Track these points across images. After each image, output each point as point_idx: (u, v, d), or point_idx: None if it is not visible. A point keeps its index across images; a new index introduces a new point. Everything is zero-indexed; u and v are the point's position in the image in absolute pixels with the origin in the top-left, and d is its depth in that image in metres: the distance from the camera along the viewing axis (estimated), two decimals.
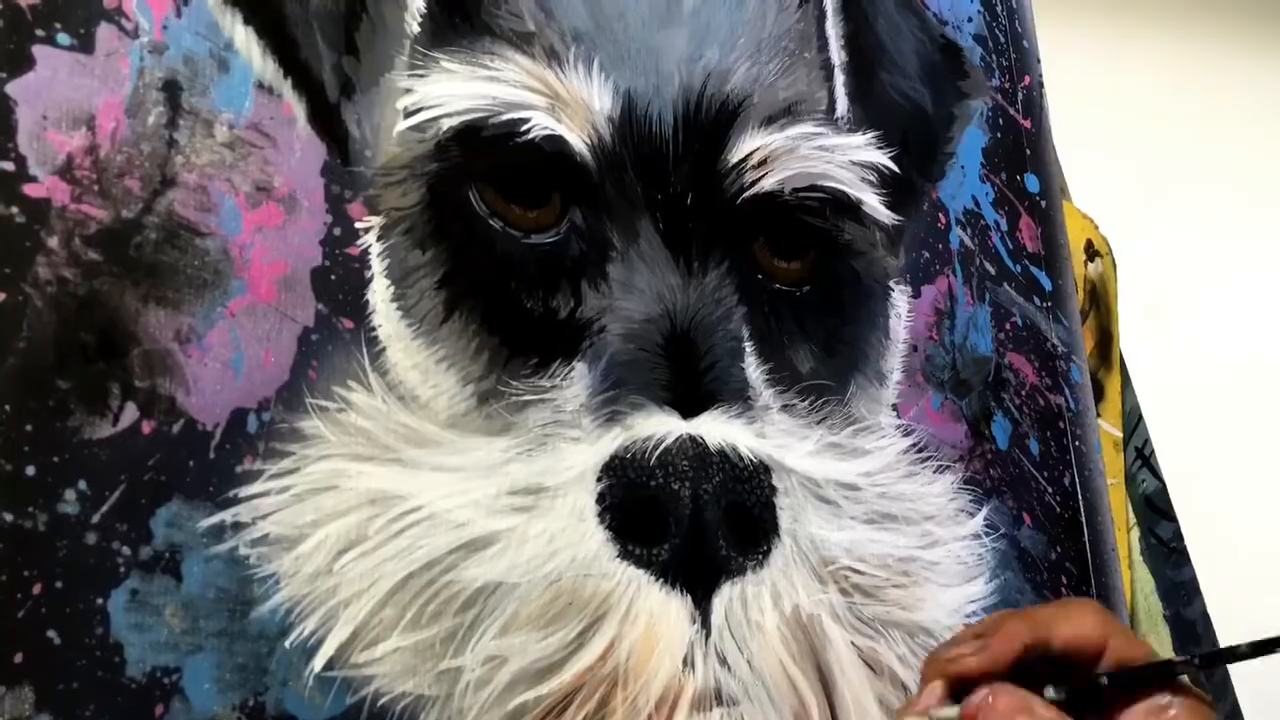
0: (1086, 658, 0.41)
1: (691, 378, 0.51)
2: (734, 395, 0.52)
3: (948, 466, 0.60)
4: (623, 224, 0.53)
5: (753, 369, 0.54)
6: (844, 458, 0.54)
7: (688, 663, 0.47)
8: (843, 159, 0.59)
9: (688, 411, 0.50)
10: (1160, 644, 0.79)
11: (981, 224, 0.68)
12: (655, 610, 0.47)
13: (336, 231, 0.49)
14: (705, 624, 0.48)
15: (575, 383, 0.50)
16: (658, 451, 0.48)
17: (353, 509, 0.45)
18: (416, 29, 0.52)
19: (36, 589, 0.40)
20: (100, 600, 0.41)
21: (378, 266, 0.49)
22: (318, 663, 0.43)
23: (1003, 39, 0.75)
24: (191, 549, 0.43)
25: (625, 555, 0.47)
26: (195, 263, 0.45)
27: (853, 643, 0.51)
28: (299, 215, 0.48)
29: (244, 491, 0.44)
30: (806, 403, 0.55)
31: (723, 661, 0.48)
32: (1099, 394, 0.81)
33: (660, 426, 0.49)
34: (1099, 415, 0.74)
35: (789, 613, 0.50)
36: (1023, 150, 0.73)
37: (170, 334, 0.44)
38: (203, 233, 0.46)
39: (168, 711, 0.41)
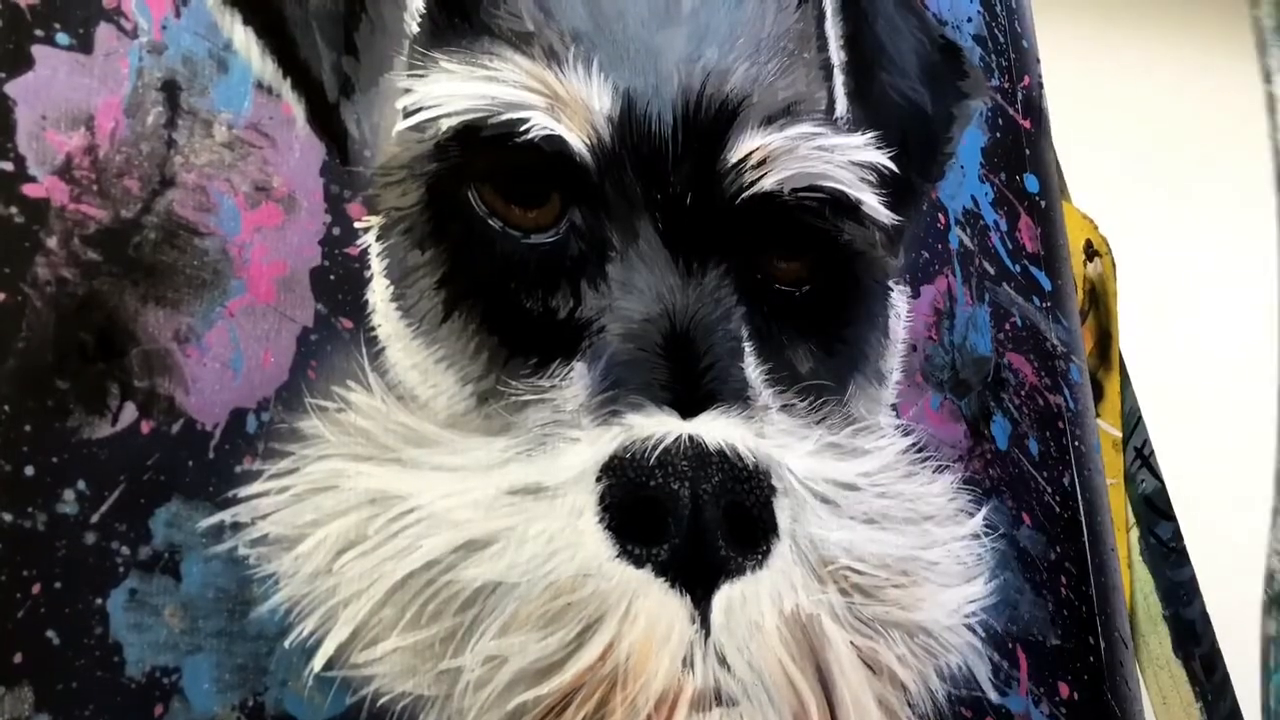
0: None
1: (691, 378, 0.51)
2: (733, 395, 0.52)
3: (947, 466, 0.60)
4: (622, 224, 0.53)
5: (752, 369, 0.54)
6: (843, 457, 0.54)
7: (687, 663, 0.47)
8: (842, 159, 0.59)
9: (687, 411, 0.50)
10: (1160, 643, 0.79)
11: (981, 224, 0.68)
12: (655, 610, 0.47)
13: (336, 231, 0.49)
14: (705, 624, 0.48)
15: (574, 382, 0.50)
16: (657, 451, 0.48)
17: (352, 509, 0.45)
18: (415, 29, 0.52)
19: (35, 589, 0.40)
20: (99, 600, 0.41)
21: (377, 266, 0.49)
22: (317, 663, 0.43)
23: (1002, 39, 0.75)
24: (191, 549, 0.43)
25: (625, 555, 0.47)
26: (194, 263, 0.45)
27: (852, 642, 0.51)
28: (298, 215, 0.48)
29: (243, 491, 0.44)
30: (806, 403, 0.55)
31: (722, 661, 0.48)
32: (1098, 394, 0.81)
33: (660, 426, 0.49)
34: (1098, 415, 0.74)
35: (788, 612, 0.50)
36: (1022, 150, 0.73)
37: (169, 334, 0.44)
38: (202, 233, 0.46)
39: (167, 711, 0.41)
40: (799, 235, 0.58)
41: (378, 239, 0.49)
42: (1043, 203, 0.73)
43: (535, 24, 0.53)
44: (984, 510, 0.60)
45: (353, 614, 0.44)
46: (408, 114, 0.51)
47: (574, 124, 0.52)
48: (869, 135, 0.61)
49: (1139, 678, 0.71)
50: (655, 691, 0.46)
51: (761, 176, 0.55)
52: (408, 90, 0.51)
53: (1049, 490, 0.65)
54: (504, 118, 0.51)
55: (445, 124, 0.51)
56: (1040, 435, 0.66)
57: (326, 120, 0.50)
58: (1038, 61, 0.77)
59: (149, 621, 0.41)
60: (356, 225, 0.49)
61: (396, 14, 0.52)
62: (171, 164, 0.46)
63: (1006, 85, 0.74)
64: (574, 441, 0.49)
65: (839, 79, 0.62)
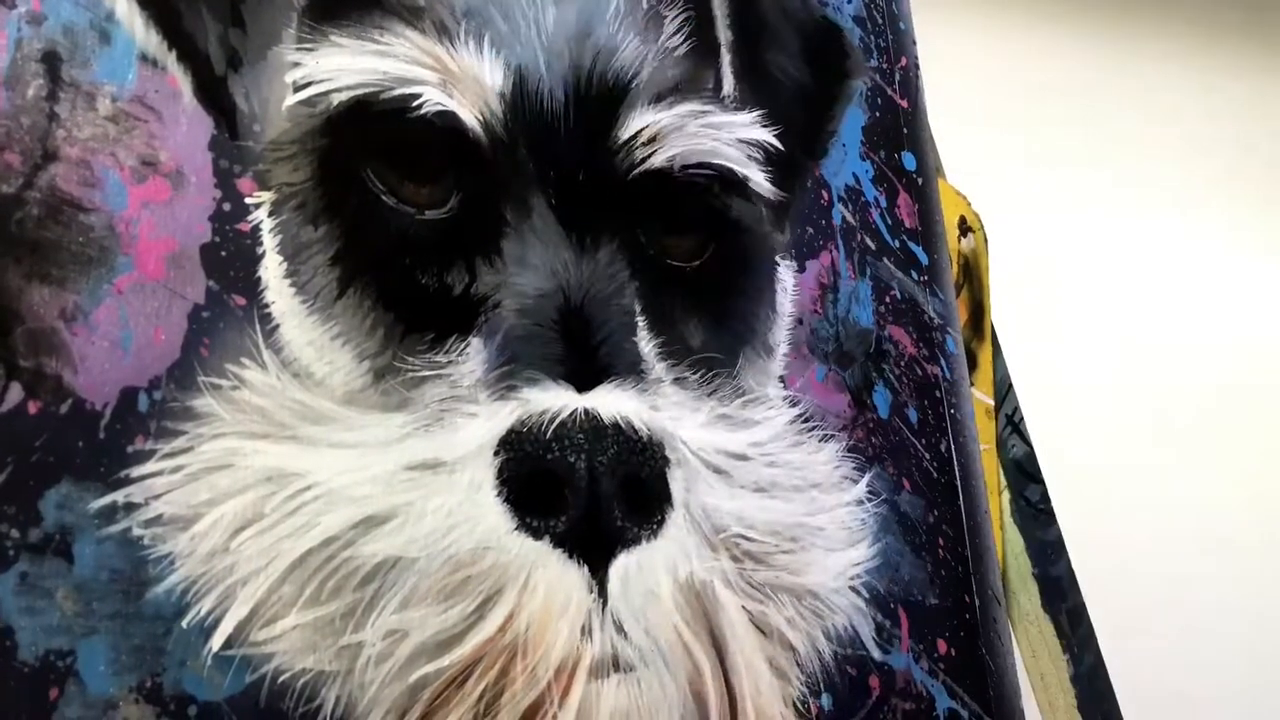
0: None
1: (585, 352, 0.52)
2: (627, 369, 0.53)
3: (832, 435, 0.62)
4: (515, 200, 0.53)
5: (645, 343, 0.55)
6: (734, 429, 0.56)
7: (585, 631, 0.48)
8: (729, 136, 0.60)
9: (582, 385, 0.51)
10: (1030, 599, 0.83)
11: (862, 200, 0.70)
12: (553, 581, 0.48)
13: (226, 207, 0.48)
14: (602, 593, 0.49)
15: (471, 358, 0.50)
16: (554, 425, 0.49)
17: (249, 487, 0.45)
18: (304, 1, 0.52)
19: None
20: None
21: (269, 243, 0.49)
22: (216, 642, 0.43)
23: (880, 20, 0.77)
24: (83, 530, 0.42)
25: (523, 527, 0.48)
26: (80, 239, 0.44)
27: (744, 607, 0.52)
28: (187, 190, 0.47)
29: (136, 471, 0.43)
30: (697, 375, 0.56)
31: (619, 629, 0.49)
32: (972, 364, 0.84)
33: (555, 400, 0.50)
34: (972, 384, 0.77)
35: (683, 580, 0.51)
36: (900, 129, 0.76)
37: (55, 312, 0.43)
38: (86, 208, 0.45)
39: (63, 695, 0.40)
40: (689, 211, 0.59)
41: (270, 215, 0.49)
42: (920, 180, 0.75)
43: None
44: (867, 477, 0.63)
45: (251, 592, 0.44)
46: (298, 88, 0.50)
47: (466, 100, 0.52)
48: (755, 113, 0.62)
49: (1011, 633, 0.74)
50: (555, 660, 0.47)
51: (652, 153, 0.56)
52: (297, 64, 0.51)
53: (927, 457, 0.67)
54: (396, 93, 0.51)
55: (336, 99, 0.50)
56: (919, 404, 0.68)
57: (214, 94, 0.49)
58: (914, 43, 0.80)
59: (41, 605, 0.40)
60: (247, 201, 0.49)
61: None
62: (54, 138, 0.45)
63: (885, 66, 0.76)
64: (471, 416, 0.49)
65: (726, 57, 0.63)
